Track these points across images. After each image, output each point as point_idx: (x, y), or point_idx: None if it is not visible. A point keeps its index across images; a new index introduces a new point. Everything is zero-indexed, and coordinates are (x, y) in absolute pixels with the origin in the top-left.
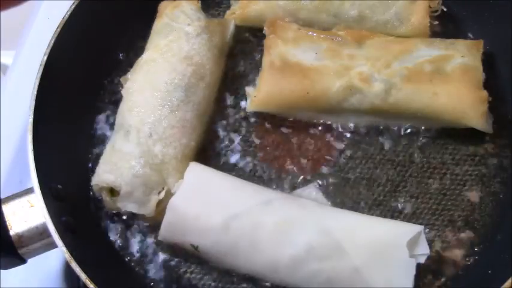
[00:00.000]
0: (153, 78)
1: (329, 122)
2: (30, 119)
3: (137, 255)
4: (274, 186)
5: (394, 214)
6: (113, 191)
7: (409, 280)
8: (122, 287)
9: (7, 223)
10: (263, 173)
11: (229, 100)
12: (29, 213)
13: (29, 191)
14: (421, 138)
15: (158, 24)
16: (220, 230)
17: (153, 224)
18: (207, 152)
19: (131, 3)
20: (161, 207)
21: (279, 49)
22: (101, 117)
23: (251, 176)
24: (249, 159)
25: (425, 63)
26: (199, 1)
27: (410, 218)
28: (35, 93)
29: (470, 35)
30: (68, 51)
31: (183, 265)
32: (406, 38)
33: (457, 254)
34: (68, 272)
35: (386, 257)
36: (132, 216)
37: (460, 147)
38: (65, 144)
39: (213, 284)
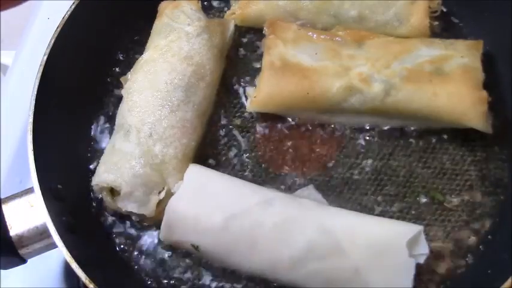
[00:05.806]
0: (153, 78)
1: (329, 122)
2: (30, 119)
3: (137, 255)
4: (273, 186)
5: (393, 214)
6: (113, 191)
7: (409, 280)
8: (122, 287)
9: (7, 223)
10: (263, 173)
11: (230, 100)
12: (29, 213)
13: (29, 191)
14: (420, 138)
15: (158, 24)
16: (220, 230)
17: (154, 224)
18: (207, 152)
19: (131, 3)
20: (161, 207)
21: (278, 49)
22: (101, 117)
23: (251, 176)
24: (248, 159)
25: (425, 64)
26: (200, 1)
27: (410, 218)
28: (35, 93)
29: (470, 35)
30: (68, 51)
31: (183, 265)
32: (405, 38)
33: (457, 253)
34: (68, 272)
35: (386, 257)
36: (133, 216)
37: (460, 148)
38: (65, 144)
39: (213, 283)
